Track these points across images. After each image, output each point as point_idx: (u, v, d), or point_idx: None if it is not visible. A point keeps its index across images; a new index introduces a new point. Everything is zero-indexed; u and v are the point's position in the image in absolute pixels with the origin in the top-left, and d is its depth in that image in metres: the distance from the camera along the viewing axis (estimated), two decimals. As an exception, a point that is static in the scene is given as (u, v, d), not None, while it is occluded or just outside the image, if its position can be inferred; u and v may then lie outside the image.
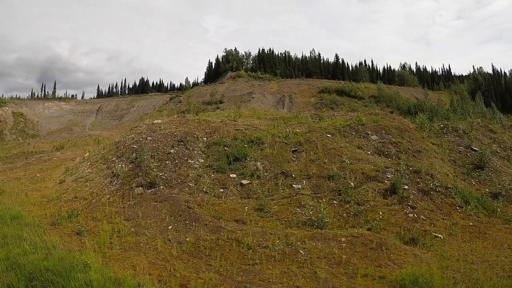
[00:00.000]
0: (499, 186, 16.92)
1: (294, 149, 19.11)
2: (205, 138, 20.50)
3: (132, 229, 12.54)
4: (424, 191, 15.41)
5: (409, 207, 14.20)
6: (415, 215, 13.72)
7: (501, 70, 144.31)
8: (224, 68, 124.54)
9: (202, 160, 18.36)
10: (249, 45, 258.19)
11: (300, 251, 10.80)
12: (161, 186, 15.90)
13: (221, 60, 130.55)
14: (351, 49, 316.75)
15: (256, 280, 9.17)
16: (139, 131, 21.46)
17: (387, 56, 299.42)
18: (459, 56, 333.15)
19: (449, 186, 15.94)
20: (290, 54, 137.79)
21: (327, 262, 10.18)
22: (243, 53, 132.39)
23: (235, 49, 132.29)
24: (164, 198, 14.75)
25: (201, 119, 23.73)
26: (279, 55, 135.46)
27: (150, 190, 15.72)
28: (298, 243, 11.25)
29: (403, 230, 12.69)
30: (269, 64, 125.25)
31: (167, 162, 17.74)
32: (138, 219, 13.39)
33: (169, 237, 11.87)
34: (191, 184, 16.16)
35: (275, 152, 18.55)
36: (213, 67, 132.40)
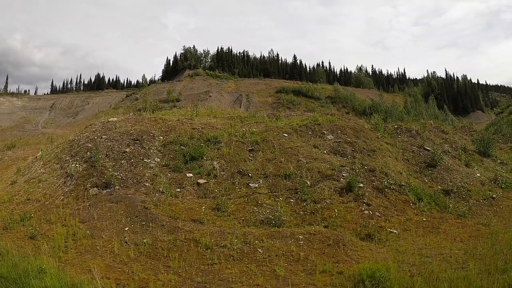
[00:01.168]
0: (451, 184, 17.71)
1: (250, 148, 19.08)
2: (161, 137, 20.14)
3: (88, 231, 12.12)
4: (378, 189, 15.83)
5: (364, 204, 14.55)
6: (370, 212, 14.08)
7: (453, 75, 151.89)
8: (182, 66, 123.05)
9: (159, 159, 18.02)
10: (209, 43, 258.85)
11: (259, 249, 10.82)
12: (117, 186, 15.47)
13: (179, 57, 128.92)
14: (311, 50, 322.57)
15: (215, 280, 9.09)
16: (94, 129, 20.77)
17: (346, 58, 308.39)
18: (414, 60, 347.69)
19: (402, 183, 16.46)
20: (249, 54, 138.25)
21: (286, 260, 10.24)
22: (202, 51, 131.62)
23: (194, 47, 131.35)
24: (119, 199, 14.35)
25: (157, 118, 23.30)
26: (238, 54, 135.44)
27: (105, 191, 15.26)
28: (256, 241, 11.25)
29: (359, 226, 13.00)
30: (227, 63, 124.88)
31: (122, 161, 17.29)
32: (94, 221, 12.95)
33: (125, 239, 11.56)
34: (147, 184, 15.83)
35: (231, 151, 18.48)
36: (171, 64, 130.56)
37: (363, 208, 14.27)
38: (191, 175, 16.70)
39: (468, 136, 29.63)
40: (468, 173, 19.73)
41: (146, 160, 17.65)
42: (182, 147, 18.92)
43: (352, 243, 11.44)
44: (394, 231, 12.94)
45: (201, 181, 16.28)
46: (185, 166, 17.40)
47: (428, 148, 21.31)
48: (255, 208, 14.15)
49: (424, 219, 14.22)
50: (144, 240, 11.32)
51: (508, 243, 11.12)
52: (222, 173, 16.96)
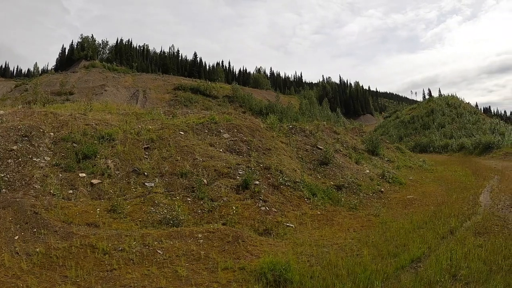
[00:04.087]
0: (342, 179, 19.13)
1: (146, 146, 18.61)
2: (52, 133, 18.74)
3: (-26, 244, 10.96)
4: (274, 186, 16.48)
5: (261, 201, 15.04)
6: (267, 208, 14.60)
7: (347, 81, 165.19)
8: (78, 56, 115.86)
9: (49, 158, 16.80)
10: (110, 34, 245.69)
11: (158, 251, 10.67)
12: (3, 190, 14.07)
13: (75, 46, 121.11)
14: (214, 49, 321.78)
15: (117, 287, 8.82)
16: (-24, 124, 18.74)
17: (249, 59, 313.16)
18: (313, 66, 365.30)
19: (297, 180, 17.35)
20: (149, 48, 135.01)
21: (187, 260, 10.25)
22: (100, 42, 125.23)
23: (92, 36, 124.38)
24: (7, 204, 13.07)
25: (48, 112, 21.59)
26: (137, 47, 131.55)
27: (-10, 195, 13.89)
28: (155, 243, 11.07)
29: (257, 222, 13.39)
30: (126, 56, 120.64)
31: (9, 160, 15.85)
32: (-21, 231, 11.73)
33: (16, 249, 10.59)
34: (37, 186, 14.66)
35: (126, 149, 17.89)
36: (66, 53, 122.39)
37: (259, 205, 14.75)
38: (84, 175, 15.78)
39: (358, 137, 32.26)
40: (358, 169, 21.54)
41: (35, 159, 16.39)
42: (74, 144, 17.81)
43: (251, 238, 11.78)
44: (291, 225, 13.59)
45: (95, 181, 15.48)
46: (77, 165, 16.37)
47: (321, 147, 22.75)
48: (152, 208, 13.85)
49: (319, 213, 15.12)
50: (37, 249, 10.51)
51: (397, 230, 12.31)
52: (117, 172, 16.32)
